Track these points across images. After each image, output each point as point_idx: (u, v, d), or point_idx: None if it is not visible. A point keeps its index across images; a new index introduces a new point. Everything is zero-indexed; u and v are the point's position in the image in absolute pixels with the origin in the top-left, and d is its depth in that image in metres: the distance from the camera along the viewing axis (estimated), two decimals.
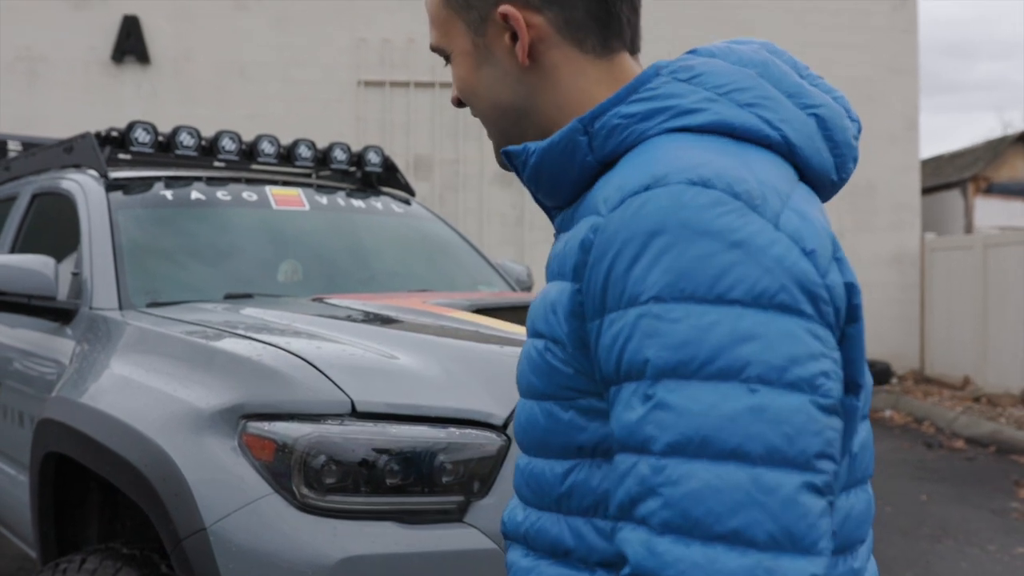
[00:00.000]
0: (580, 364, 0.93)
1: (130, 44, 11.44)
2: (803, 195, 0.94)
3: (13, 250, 3.86)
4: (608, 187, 0.92)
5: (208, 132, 4.05)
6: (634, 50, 1.08)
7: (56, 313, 3.13)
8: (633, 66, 1.07)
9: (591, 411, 0.94)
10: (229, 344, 2.33)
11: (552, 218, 1.09)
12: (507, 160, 1.06)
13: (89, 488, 2.71)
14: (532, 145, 1.01)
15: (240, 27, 11.55)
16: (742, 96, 0.96)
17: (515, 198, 11.66)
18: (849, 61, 11.89)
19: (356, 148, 4.35)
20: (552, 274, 0.99)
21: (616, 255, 0.87)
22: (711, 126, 0.93)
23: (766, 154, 0.94)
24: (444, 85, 11.30)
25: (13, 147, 5.25)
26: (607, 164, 0.97)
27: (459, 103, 1.13)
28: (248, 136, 4.09)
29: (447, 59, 1.11)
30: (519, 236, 11.76)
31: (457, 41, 1.08)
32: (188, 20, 11.52)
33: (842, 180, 1.03)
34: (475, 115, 1.12)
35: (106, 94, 11.37)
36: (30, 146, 5.11)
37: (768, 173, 0.91)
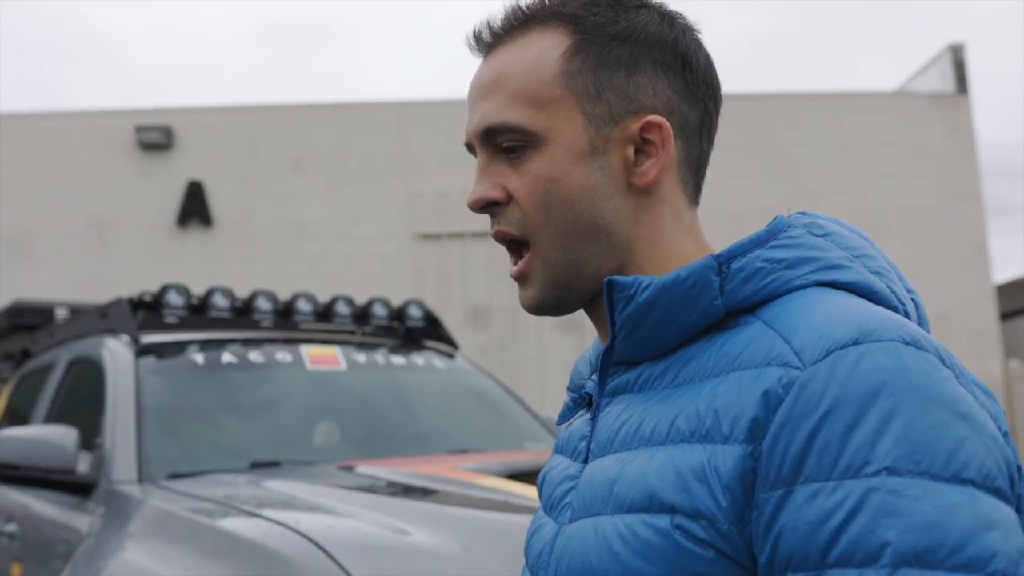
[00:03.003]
0: (730, 544, 0.78)
1: (194, 208, 11.77)
2: None
3: (48, 420, 3.79)
4: (795, 335, 0.80)
5: (278, 291, 4.02)
6: (698, 203, 1.00)
7: (75, 487, 3.01)
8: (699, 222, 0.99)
9: None
10: (236, 524, 2.23)
11: (608, 375, 0.93)
12: (607, 291, 0.88)
13: None
14: (646, 279, 0.87)
15: (298, 188, 11.83)
16: (871, 263, 0.90)
17: (575, 343, 11.49)
18: (909, 189, 11.73)
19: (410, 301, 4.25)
20: (656, 438, 0.83)
21: (827, 415, 0.74)
22: (856, 286, 0.87)
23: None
24: None
25: (62, 313, 5.28)
26: (732, 313, 0.86)
27: (485, 207, 0.93)
28: (319, 296, 4.04)
29: (511, 147, 0.91)
30: None
31: (565, 131, 0.90)
32: (249, 183, 11.85)
33: None
34: (536, 230, 0.91)
35: (171, 256, 11.64)
36: (77, 312, 5.12)
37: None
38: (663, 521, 0.79)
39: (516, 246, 0.94)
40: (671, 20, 0.93)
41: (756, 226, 0.97)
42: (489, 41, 0.94)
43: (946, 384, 0.76)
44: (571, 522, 0.89)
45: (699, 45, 0.94)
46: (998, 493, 0.74)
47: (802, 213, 0.94)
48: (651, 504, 0.80)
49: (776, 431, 0.76)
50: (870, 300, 0.85)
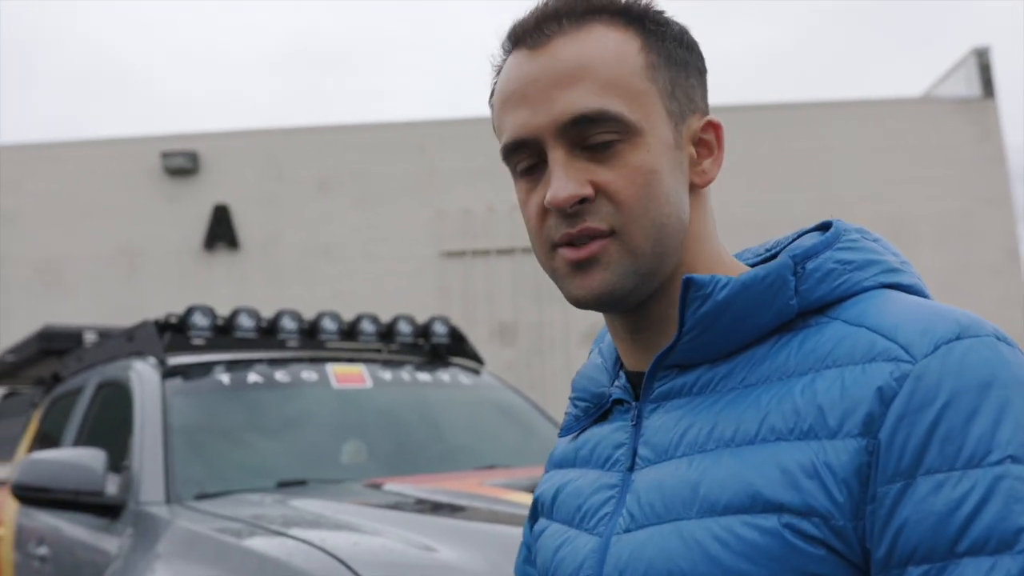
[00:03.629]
0: (844, 540, 0.76)
1: (221, 231, 11.86)
2: None
3: (77, 443, 3.81)
4: (898, 331, 0.81)
5: (305, 312, 4.03)
6: None
7: (104, 509, 3.02)
8: None
9: None
10: (263, 544, 2.22)
11: (657, 379, 0.90)
12: (684, 289, 0.86)
13: None
14: (723, 278, 0.87)
15: (323, 209, 11.89)
16: (910, 269, 0.93)
17: None
18: (939, 195, 11.61)
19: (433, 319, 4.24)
20: (743, 437, 0.82)
21: (946, 407, 0.75)
22: (912, 289, 0.90)
23: None
24: (525, 250, 11.34)
25: (90, 337, 5.31)
26: (805, 313, 0.87)
27: (581, 200, 0.86)
28: (344, 315, 4.04)
29: (615, 136, 0.86)
30: None
31: (656, 124, 0.88)
32: (274, 205, 11.92)
33: None
34: (631, 220, 0.86)
35: (199, 280, 11.72)
36: (105, 336, 5.15)
37: None
38: (770, 521, 0.78)
39: (586, 239, 0.87)
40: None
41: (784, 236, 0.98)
42: (548, 32, 0.88)
43: None
44: (628, 531, 0.86)
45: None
46: None
47: (830, 222, 0.95)
48: (754, 504, 0.79)
49: (894, 423, 0.76)
50: None
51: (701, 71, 0.94)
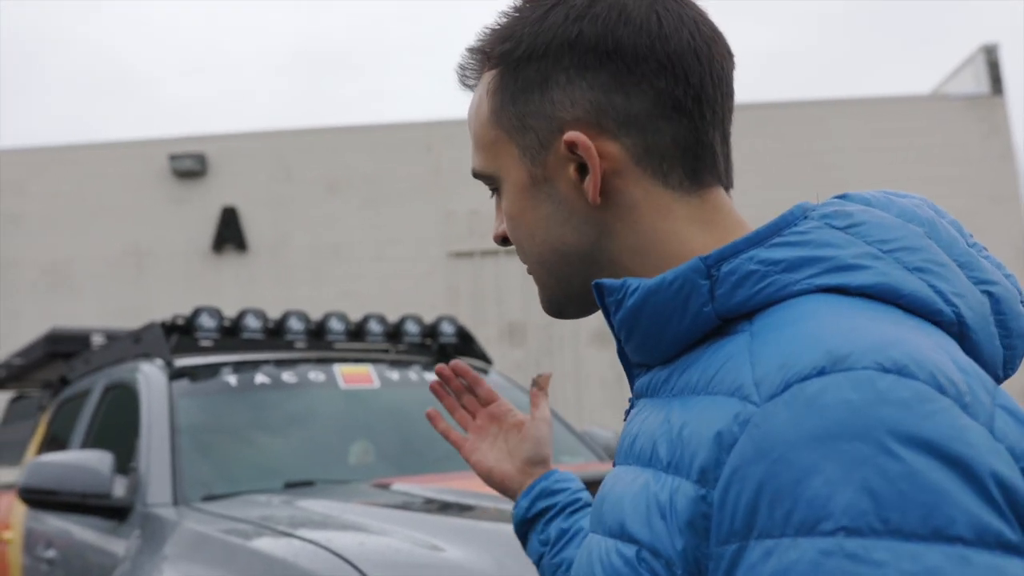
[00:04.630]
0: None
1: (229, 233, 11.87)
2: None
3: (84, 445, 3.81)
4: (760, 361, 0.70)
5: (314, 314, 4.03)
6: (728, 185, 0.88)
7: (111, 511, 3.02)
8: (729, 204, 0.87)
9: None
10: (270, 544, 2.22)
11: (632, 377, 0.88)
12: (597, 296, 0.84)
13: None
14: (634, 281, 0.80)
15: (331, 210, 11.90)
16: (910, 258, 0.76)
17: (613, 358, 11.41)
18: (948, 192, 11.55)
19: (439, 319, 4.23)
20: (644, 457, 0.76)
21: (779, 461, 0.64)
22: (874, 289, 0.73)
23: (938, 331, 0.73)
24: None
25: (97, 339, 5.31)
26: (729, 320, 0.76)
27: (504, 240, 0.94)
28: (351, 315, 4.04)
29: (493, 189, 0.92)
30: (619, 397, 11.45)
31: (509, 169, 0.88)
32: (282, 207, 11.93)
33: (1006, 377, 0.81)
34: (523, 259, 0.92)
35: (207, 282, 11.73)
36: (112, 338, 5.16)
37: (964, 358, 0.70)
38: (630, 551, 0.73)
39: None
40: (583, 9, 0.83)
41: None
42: (466, 85, 0.95)
43: (935, 419, 0.62)
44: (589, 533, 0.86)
45: (628, 20, 0.82)
46: (1007, 548, 0.60)
47: (842, 196, 0.83)
48: (622, 532, 0.75)
49: (728, 477, 0.66)
50: (897, 305, 0.73)
51: (578, 65, 0.82)
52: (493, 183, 0.91)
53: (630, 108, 0.82)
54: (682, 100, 0.82)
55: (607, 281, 0.82)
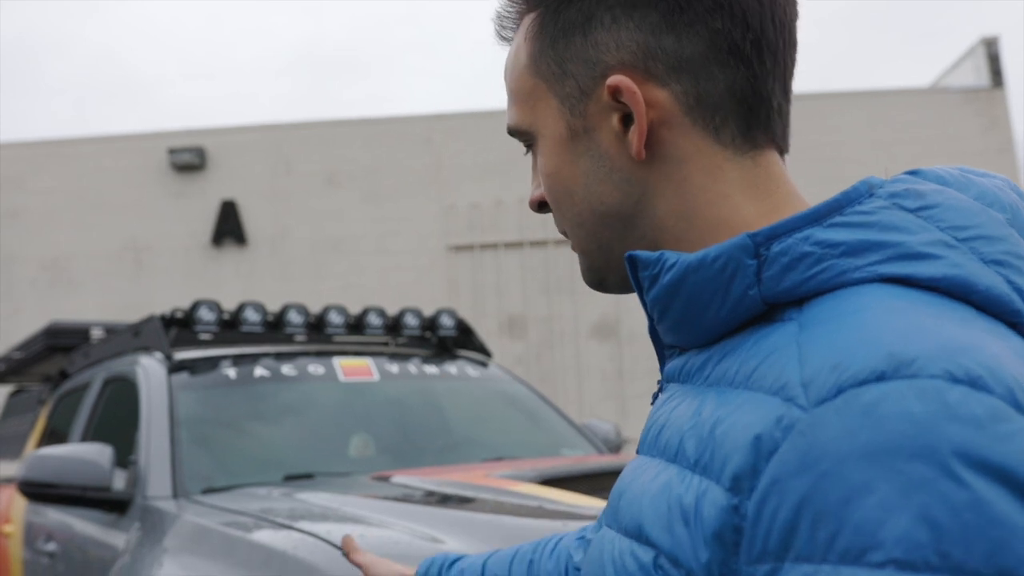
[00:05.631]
0: None
1: (228, 227, 11.86)
2: None
3: (84, 439, 3.82)
4: (810, 358, 0.61)
5: (314, 307, 4.03)
6: (784, 148, 0.80)
7: (111, 504, 3.02)
8: (783, 170, 0.78)
9: None
10: (269, 537, 2.22)
11: (663, 358, 0.80)
12: (629, 270, 0.76)
13: None
14: (672, 255, 0.72)
15: (331, 204, 11.89)
16: (988, 248, 0.66)
17: (613, 351, 11.43)
18: None
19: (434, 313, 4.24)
20: (670, 451, 0.68)
21: (826, 476, 0.55)
22: (945, 283, 0.64)
23: (1013, 334, 0.64)
24: (534, 244, 11.33)
25: (97, 333, 5.31)
26: (777, 306, 0.68)
27: (541, 206, 0.85)
28: (351, 308, 4.04)
29: (528, 145, 0.84)
30: (619, 390, 11.47)
31: (546, 121, 0.80)
32: (282, 200, 11.92)
33: None
34: (561, 224, 0.83)
35: (207, 276, 11.73)
36: (112, 331, 5.15)
37: None
38: (647, 555, 0.66)
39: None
40: None
41: None
42: (503, 39, 0.87)
43: (1012, 441, 0.54)
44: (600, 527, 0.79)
45: None
46: None
47: (914, 172, 0.74)
48: (640, 534, 0.68)
49: (766, 488, 0.58)
50: (968, 302, 0.64)
51: (626, 4, 0.74)
52: (528, 139, 0.83)
53: (681, 51, 0.73)
54: (740, 44, 0.73)
55: (641, 253, 0.74)
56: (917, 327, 0.60)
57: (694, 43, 0.73)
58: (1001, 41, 12.27)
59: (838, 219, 0.67)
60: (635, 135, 0.74)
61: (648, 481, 0.69)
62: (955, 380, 0.56)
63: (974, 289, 0.64)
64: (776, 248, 0.67)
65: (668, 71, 0.73)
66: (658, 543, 0.65)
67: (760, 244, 0.68)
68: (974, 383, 0.56)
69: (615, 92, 0.74)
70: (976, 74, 12.30)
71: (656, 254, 0.73)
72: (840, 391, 0.57)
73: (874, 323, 0.61)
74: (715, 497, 0.61)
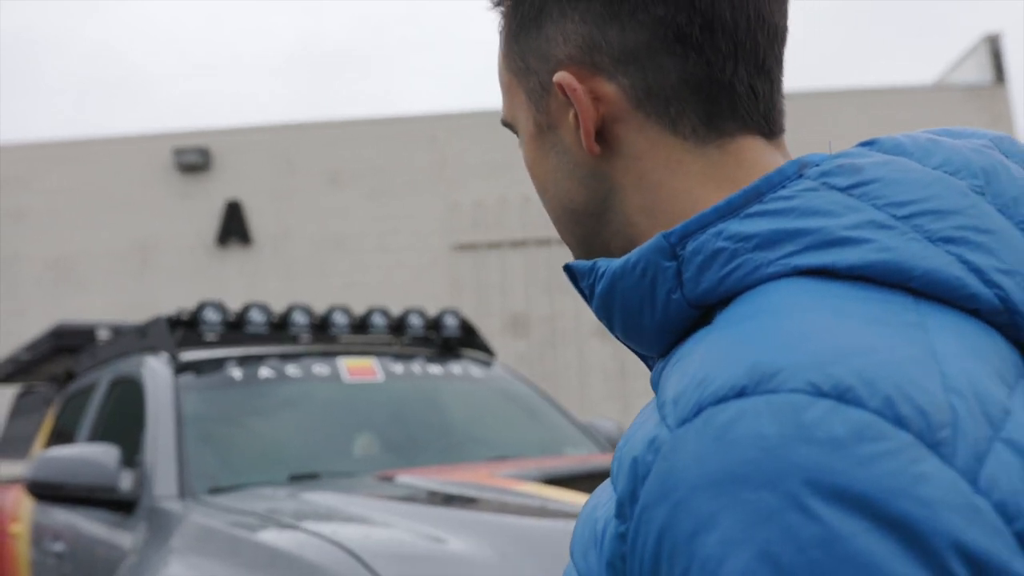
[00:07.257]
0: None
1: (233, 227, 11.90)
2: None
3: (91, 439, 3.84)
4: (689, 370, 0.56)
5: (318, 306, 4.05)
6: (770, 131, 0.71)
7: (118, 504, 3.04)
8: (758, 156, 0.69)
9: None
10: (275, 537, 2.25)
11: (649, 366, 0.75)
12: (572, 282, 0.73)
13: None
14: (604, 263, 0.67)
15: (335, 203, 11.92)
16: (938, 224, 0.58)
17: (615, 350, 11.43)
18: None
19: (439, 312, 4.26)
20: (613, 470, 0.64)
21: (679, 506, 0.50)
22: (872, 270, 0.57)
23: (967, 325, 0.56)
24: (538, 242, 11.35)
25: (103, 334, 5.34)
26: (712, 308, 0.62)
27: None
28: (355, 307, 4.06)
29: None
30: (622, 389, 11.48)
31: (520, 115, 0.76)
32: (286, 200, 11.95)
33: None
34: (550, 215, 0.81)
35: (212, 276, 11.76)
36: (118, 332, 5.18)
37: (967, 365, 0.52)
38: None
39: None
40: None
41: None
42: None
43: (877, 464, 0.47)
44: None
45: None
46: None
47: (868, 143, 0.68)
48: (572, 555, 0.64)
49: (638, 517, 0.53)
50: (907, 289, 0.57)
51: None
52: (516, 132, 0.80)
53: (625, 42, 0.68)
54: (686, 29, 0.67)
55: (577, 264, 0.71)
56: (805, 331, 0.53)
57: (638, 33, 0.68)
58: (1004, 38, 12.27)
59: (756, 208, 0.61)
60: (583, 133, 0.70)
61: (592, 499, 0.66)
62: (819, 394, 0.49)
63: (911, 275, 0.56)
64: (690, 247, 0.62)
65: (614, 64, 0.68)
66: (579, 567, 0.62)
67: (675, 244, 0.63)
68: (842, 396, 0.49)
69: (561, 88, 0.70)
70: (979, 71, 12.30)
71: (590, 263, 0.69)
72: (700, 410, 0.52)
73: (758, 329, 0.55)
74: (611, 524, 0.56)
